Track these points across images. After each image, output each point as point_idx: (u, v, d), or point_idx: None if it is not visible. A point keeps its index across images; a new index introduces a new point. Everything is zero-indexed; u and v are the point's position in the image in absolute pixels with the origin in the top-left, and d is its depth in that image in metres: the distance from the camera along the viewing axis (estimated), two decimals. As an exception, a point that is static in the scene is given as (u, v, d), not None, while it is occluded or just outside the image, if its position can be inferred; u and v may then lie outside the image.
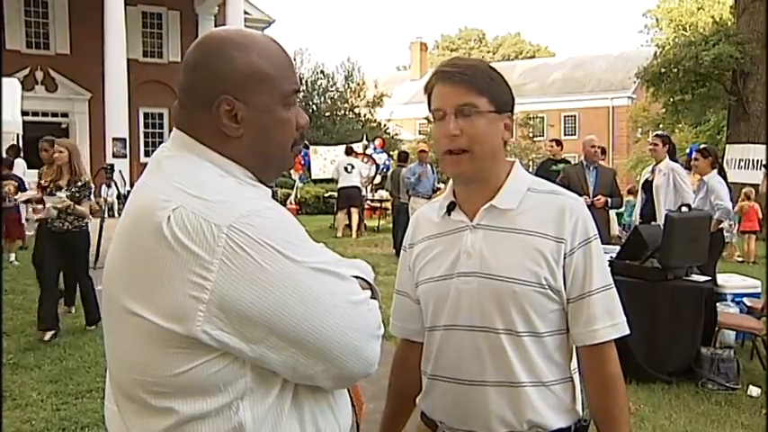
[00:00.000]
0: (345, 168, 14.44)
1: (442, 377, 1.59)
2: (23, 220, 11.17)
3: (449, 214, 1.61)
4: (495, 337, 1.51)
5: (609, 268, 1.58)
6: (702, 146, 7.75)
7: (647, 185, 7.61)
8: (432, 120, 1.56)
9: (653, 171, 7.64)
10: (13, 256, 10.27)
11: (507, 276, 1.50)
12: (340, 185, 14.44)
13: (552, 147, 10.55)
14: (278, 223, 1.10)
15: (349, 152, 15.55)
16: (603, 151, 10.41)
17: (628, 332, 1.54)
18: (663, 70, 18.96)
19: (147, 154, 24.55)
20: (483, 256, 1.53)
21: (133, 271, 1.10)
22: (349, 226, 14.63)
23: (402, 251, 1.74)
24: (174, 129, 1.24)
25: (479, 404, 1.53)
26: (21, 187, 10.00)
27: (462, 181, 1.60)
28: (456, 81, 1.50)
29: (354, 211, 14.52)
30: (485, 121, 1.49)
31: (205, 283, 1.04)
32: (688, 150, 12.39)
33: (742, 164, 16.04)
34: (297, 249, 1.09)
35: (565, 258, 1.50)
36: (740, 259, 12.45)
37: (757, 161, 15.28)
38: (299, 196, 19.76)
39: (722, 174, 7.15)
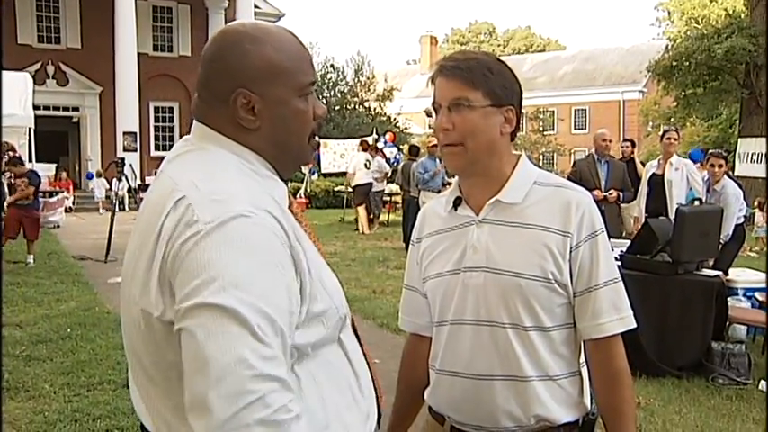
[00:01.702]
0: (365, 165, 14.47)
1: (450, 372, 1.59)
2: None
3: (455, 209, 1.62)
4: (501, 331, 1.51)
5: (616, 262, 1.58)
6: (714, 150, 7.67)
7: (654, 180, 7.58)
8: (431, 113, 1.59)
9: (659, 165, 7.61)
10: (31, 258, 9.80)
11: (513, 271, 1.50)
12: (358, 182, 14.40)
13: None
14: (249, 238, 1.06)
15: (365, 148, 15.48)
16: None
17: (634, 326, 1.54)
18: (674, 63, 18.83)
19: (157, 148, 24.67)
20: (489, 250, 1.53)
21: (138, 259, 1.15)
22: (355, 220, 14.65)
23: (410, 245, 1.75)
24: (194, 121, 1.26)
25: (487, 398, 1.53)
26: (34, 182, 9.78)
27: (460, 174, 1.61)
28: (450, 75, 1.52)
29: (363, 207, 14.51)
30: (478, 115, 1.50)
31: (164, 269, 1.08)
32: (690, 152, 12.29)
33: (755, 158, 15.92)
34: (239, 279, 1.02)
35: (571, 252, 1.50)
36: (753, 254, 12.35)
37: (768, 155, 15.16)
38: (309, 190, 19.78)
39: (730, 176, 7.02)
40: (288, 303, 1.09)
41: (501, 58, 1.61)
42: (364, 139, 16.37)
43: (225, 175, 1.15)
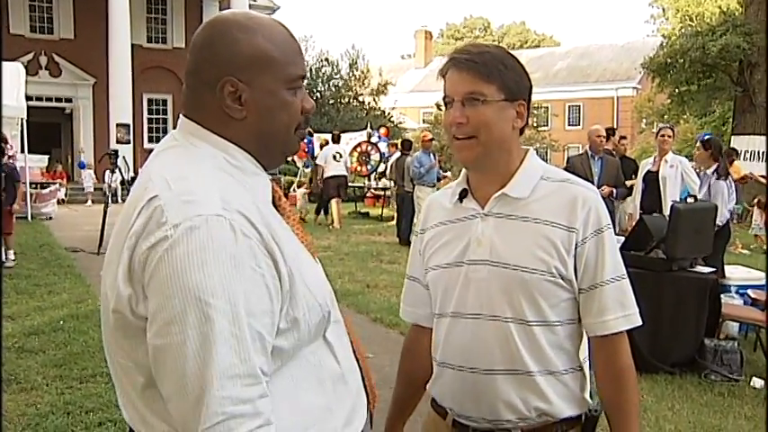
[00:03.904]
0: (334, 157, 14.37)
1: (450, 364, 1.58)
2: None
3: (461, 201, 1.60)
4: (503, 325, 1.50)
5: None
6: (707, 136, 7.68)
7: (648, 176, 7.60)
8: (442, 106, 1.56)
9: (654, 162, 7.63)
10: (12, 254, 9.35)
11: (517, 265, 1.49)
12: (329, 174, 14.30)
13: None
14: (219, 243, 1.05)
15: (336, 140, 15.43)
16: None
17: (640, 323, 1.53)
18: (669, 60, 18.88)
19: (150, 140, 24.56)
20: (493, 244, 1.52)
21: (112, 255, 1.15)
22: (324, 213, 14.56)
23: (414, 236, 1.75)
24: (180, 116, 1.25)
25: (488, 392, 1.52)
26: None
27: (471, 167, 1.59)
28: (465, 68, 1.49)
29: (337, 200, 14.36)
30: (492, 110, 1.48)
31: (133, 269, 1.08)
32: (697, 137, 12.30)
33: (747, 155, 16.00)
34: (213, 288, 1.02)
35: (576, 248, 1.49)
36: (746, 251, 12.38)
37: (762, 153, 15.23)
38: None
39: (724, 170, 6.98)
40: (268, 304, 1.09)
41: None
42: (337, 133, 16.16)
43: (200, 173, 1.13)
